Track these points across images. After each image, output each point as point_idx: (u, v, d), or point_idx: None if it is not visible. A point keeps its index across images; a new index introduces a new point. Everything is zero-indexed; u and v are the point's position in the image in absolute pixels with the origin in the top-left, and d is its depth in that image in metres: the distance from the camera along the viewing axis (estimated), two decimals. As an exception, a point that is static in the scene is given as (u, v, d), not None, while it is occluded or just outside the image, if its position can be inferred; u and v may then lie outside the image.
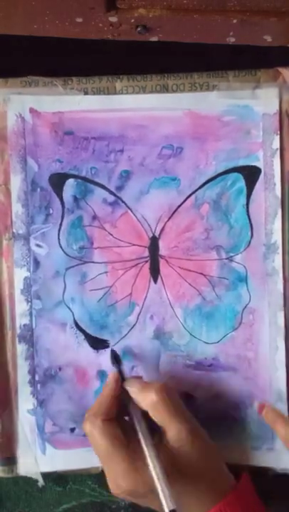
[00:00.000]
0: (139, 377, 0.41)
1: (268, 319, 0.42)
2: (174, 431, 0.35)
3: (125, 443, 0.35)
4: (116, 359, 0.41)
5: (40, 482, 0.42)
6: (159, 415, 0.36)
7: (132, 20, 0.37)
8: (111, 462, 0.35)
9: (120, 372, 0.39)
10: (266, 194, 0.42)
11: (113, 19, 0.36)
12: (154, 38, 0.39)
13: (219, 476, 0.36)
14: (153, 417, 0.36)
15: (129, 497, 0.36)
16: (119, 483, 0.35)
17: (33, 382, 0.42)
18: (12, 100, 0.42)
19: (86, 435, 0.37)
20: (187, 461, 0.35)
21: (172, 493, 0.31)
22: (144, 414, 0.37)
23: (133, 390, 0.37)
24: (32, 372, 0.42)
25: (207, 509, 0.34)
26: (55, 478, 0.44)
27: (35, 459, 0.42)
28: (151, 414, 0.36)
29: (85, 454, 0.42)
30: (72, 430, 0.42)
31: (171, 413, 0.35)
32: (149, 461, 0.33)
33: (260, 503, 0.37)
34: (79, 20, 0.36)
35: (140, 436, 0.35)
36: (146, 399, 0.36)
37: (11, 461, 0.42)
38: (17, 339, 0.42)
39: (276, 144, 0.42)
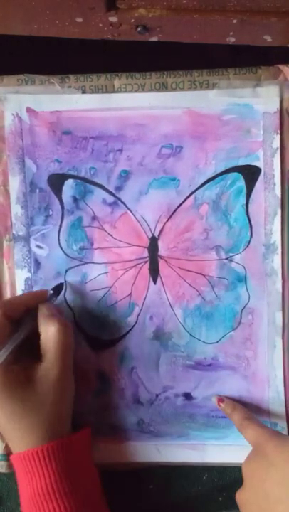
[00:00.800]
0: (58, 308, 0.42)
1: (266, 319, 0.42)
2: (50, 364, 0.37)
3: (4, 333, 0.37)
4: (58, 290, 0.42)
5: None
6: (48, 345, 0.37)
7: (132, 20, 0.36)
8: None
9: (49, 299, 0.41)
10: (266, 194, 0.42)
11: (113, 19, 0.36)
12: (154, 38, 0.38)
13: (60, 421, 0.38)
14: (41, 344, 0.38)
15: None
16: None
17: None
18: (9, 99, 0.41)
19: None
20: (43, 390, 0.37)
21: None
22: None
23: (43, 311, 0.39)
24: None
25: (34, 444, 0.36)
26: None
27: None
28: (42, 341, 0.38)
29: None
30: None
31: (59, 351, 0.37)
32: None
33: (90, 460, 0.39)
34: (79, 20, 0.36)
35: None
36: (47, 327, 0.38)
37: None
38: (18, 340, 0.43)
39: (276, 143, 0.41)
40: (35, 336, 0.38)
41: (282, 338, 0.42)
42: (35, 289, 0.43)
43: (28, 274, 0.43)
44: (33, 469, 0.35)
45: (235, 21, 0.36)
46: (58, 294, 0.42)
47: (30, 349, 0.38)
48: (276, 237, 0.42)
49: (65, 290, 0.43)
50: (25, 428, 0.36)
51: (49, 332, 0.38)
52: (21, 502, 0.37)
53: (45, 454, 0.36)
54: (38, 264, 0.43)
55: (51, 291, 0.41)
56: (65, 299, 0.43)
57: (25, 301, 0.40)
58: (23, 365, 0.37)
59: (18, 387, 0.36)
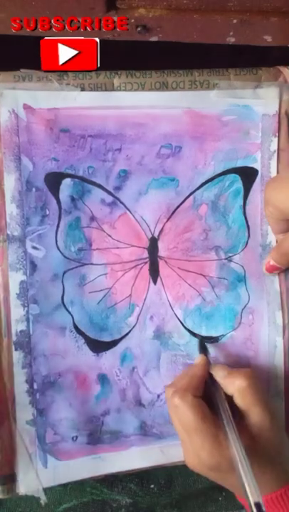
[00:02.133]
0: (224, 366, 0.41)
1: (267, 319, 0.43)
2: (258, 415, 0.37)
3: (212, 419, 0.36)
4: (203, 348, 0.42)
5: (43, 499, 0.40)
6: (245, 400, 0.37)
7: (132, 20, 0.36)
8: (196, 436, 0.36)
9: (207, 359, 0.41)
10: (262, 195, 0.42)
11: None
12: (154, 38, 0.38)
13: (286, 463, 0.38)
14: (238, 402, 0.37)
15: (208, 472, 0.37)
16: (202, 457, 0.35)
17: (31, 392, 0.40)
18: (5, 96, 0.39)
19: (170, 408, 0.37)
20: (263, 445, 0.36)
21: (256, 484, 0.32)
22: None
23: (220, 374, 0.39)
24: (30, 380, 0.40)
25: (273, 490, 0.36)
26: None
27: (36, 473, 0.40)
28: (237, 398, 0.37)
29: (89, 463, 0.41)
30: (74, 439, 0.41)
31: (257, 398, 0.37)
32: (232, 442, 0.34)
33: None
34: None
35: (224, 417, 0.36)
36: (234, 383, 0.38)
37: (9, 478, 0.40)
38: (13, 346, 0.40)
39: (274, 146, 0.42)
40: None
41: (283, 338, 0.43)
42: (31, 292, 0.41)
43: (24, 277, 0.41)
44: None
45: (235, 21, 0.37)
46: (206, 350, 0.42)
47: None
48: (272, 237, 0.43)
49: (64, 293, 0.41)
50: (270, 476, 0.36)
51: (242, 391, 0.37)
52: None
53: None
54: (33, 266, 0.41)
55: (202, 354, 0.41)
56: (63, 301, 0.41)
57: (200, 375, 0.39)
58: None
59: (251, 453, 0.35)
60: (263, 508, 0.31)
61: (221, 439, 0.35)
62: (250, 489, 0.32)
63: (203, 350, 0.42)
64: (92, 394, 0.42)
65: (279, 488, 0.36)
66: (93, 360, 0.42)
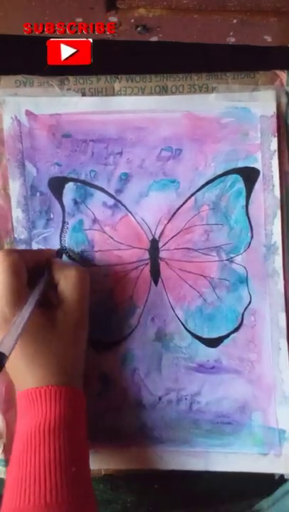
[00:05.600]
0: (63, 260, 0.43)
1: (269, 320, 0.42)
2: (70, 308, 0.38)
3: (25, 284, 0.37)
4: (59, 254, 0.43)
5: None
6: (67, 286, 0.38)
7: (132, 20, 0.36)
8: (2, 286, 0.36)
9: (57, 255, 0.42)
10: (265, 195, 0.42)
11: (113, 19, 0.36)
12: (154, 38, 0.38)
13: (76, 367, 0.38)
14: (61, 289, 0.39)
15: None
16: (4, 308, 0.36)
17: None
18: (7, 102, 0.41)
19: None
20: (63, 333, 0.37)
21: (14, 341, 0.32)
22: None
23: (57, 262, 0.40)
24: None
25: (37, 385, 0.36)
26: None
27: None
28: (61, 285, 0.39)
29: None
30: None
31: (80, 295, 0.39)
32: (26, 305, 0.35)
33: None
34: (79, 20, 0.36)
35: (34, 289, 0.37)
36: (64, 270, 0.39)
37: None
38: (19, 344, 0.42)
39: (274, 145, 0.42)
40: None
41: (287, 340, 0.42)
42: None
43: (28, 278, 0.42)
44: (47, 404, 0.35)
45: (235, 21, 0.37)
46: (61, 257, 0.43)
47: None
48: (277, 237, 0.42)
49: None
50: (46, 366, 0.36)
51: (68, 278, 0.39)
52: (16, 438, 0.36)
53: (63, 393, 0.36)
54: (38, 267, 0.42)
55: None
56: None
57: (36, 254, 0.41)
58: (44, 309, 0.38)
59: (41, 329, 0.37)
60: (4, 361, 0.31)
61: (22, 300, 0.36)
62: (6, 339, 0.32)
63: (59, 255, 0.43)
64: (93, 391, 0.42)
65: (41, 385, 0.36)
66: (95, 359, 0.42)
